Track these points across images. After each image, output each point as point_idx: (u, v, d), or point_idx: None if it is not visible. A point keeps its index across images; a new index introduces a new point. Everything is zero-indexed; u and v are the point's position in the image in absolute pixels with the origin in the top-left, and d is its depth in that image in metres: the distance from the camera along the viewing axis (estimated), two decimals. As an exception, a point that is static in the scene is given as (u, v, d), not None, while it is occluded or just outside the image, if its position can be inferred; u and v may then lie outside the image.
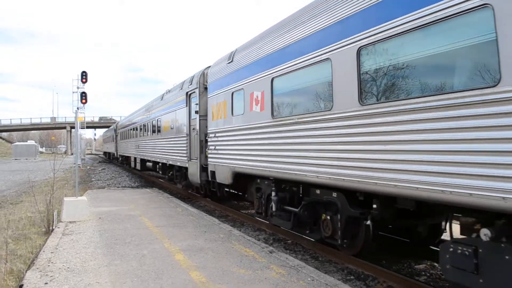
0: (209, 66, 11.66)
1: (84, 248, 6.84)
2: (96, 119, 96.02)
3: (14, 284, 5.36)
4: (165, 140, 16.19)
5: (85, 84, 12.41)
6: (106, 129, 59.25)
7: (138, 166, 23.32)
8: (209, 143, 10.77)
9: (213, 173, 10.53)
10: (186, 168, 13.09)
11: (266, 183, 8.35)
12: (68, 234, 7.98)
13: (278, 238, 8.44)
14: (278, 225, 8.15)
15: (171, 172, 16.54)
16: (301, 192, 7.30)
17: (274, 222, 8.14)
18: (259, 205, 8.86)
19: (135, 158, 24.56)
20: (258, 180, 8.80)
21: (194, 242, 7.21)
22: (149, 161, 20.11)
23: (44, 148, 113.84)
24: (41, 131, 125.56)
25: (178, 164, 14.10)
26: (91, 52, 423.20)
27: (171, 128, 15.07)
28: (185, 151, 13.00)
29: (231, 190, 11.46)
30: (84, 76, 12.03)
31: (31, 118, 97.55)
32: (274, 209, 7.72)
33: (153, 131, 18.84)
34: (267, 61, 7.73)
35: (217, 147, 10.16)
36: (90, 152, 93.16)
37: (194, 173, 12.13)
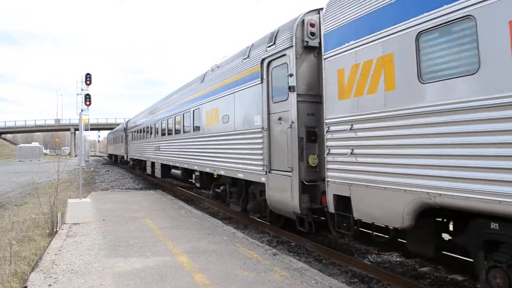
0: (314, 10, 7.28)
1: (88, 250, 6.85)
2: (99, 121, 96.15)
3: (18, 286, 5.38)
4: (210, 139, 11.32)
5: (89, 86, 12.51)
6: (109, 131, 58.99)
7: (158, 173, 18.29)
8: (330, 144, 6.26)
9: (341, 199, 6.04)
10: (253, 183, 9.00)
11: None
12: (72, 236, 8.00)
13: (282, 240, 8.41)
14: None
15: (221, 187, 11.25)
16: None
17: None
18: None
19: (153, 163, 19.74)
20: (496, 225, 4.18)
21: (198, 244, 7.21)
22: (176, 167, 15.37)
23: (48, 150, 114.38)
24: (45, 132, 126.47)
25: (240, 176, 9.26)
26: (91, 52, 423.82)
27: (224, 122, 10.32)
28: (259, 156, 8.30)
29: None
30: (88, 78, 12.10)
31: (35, 120, 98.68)
32: None
33: (186, 127, 14.05)
34: None
35: (357, 150, 5.70)
36: (93, 154, 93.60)
37: (282, 192, 7.49)
